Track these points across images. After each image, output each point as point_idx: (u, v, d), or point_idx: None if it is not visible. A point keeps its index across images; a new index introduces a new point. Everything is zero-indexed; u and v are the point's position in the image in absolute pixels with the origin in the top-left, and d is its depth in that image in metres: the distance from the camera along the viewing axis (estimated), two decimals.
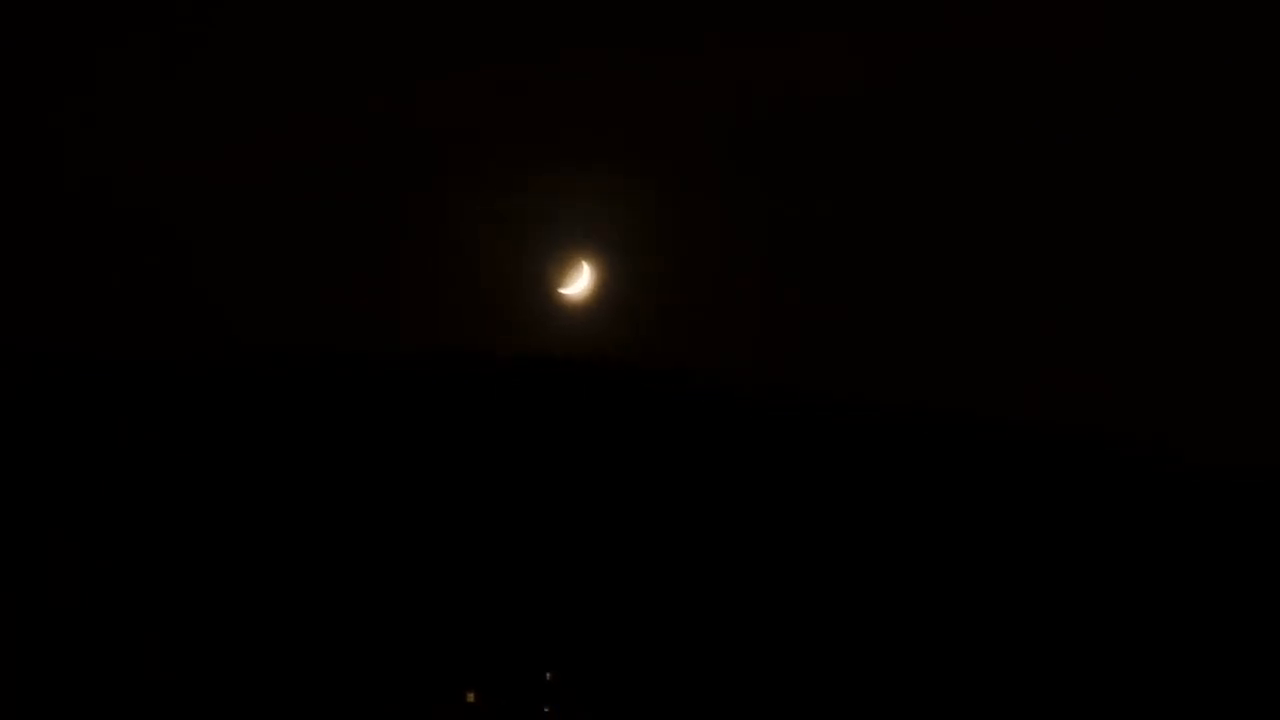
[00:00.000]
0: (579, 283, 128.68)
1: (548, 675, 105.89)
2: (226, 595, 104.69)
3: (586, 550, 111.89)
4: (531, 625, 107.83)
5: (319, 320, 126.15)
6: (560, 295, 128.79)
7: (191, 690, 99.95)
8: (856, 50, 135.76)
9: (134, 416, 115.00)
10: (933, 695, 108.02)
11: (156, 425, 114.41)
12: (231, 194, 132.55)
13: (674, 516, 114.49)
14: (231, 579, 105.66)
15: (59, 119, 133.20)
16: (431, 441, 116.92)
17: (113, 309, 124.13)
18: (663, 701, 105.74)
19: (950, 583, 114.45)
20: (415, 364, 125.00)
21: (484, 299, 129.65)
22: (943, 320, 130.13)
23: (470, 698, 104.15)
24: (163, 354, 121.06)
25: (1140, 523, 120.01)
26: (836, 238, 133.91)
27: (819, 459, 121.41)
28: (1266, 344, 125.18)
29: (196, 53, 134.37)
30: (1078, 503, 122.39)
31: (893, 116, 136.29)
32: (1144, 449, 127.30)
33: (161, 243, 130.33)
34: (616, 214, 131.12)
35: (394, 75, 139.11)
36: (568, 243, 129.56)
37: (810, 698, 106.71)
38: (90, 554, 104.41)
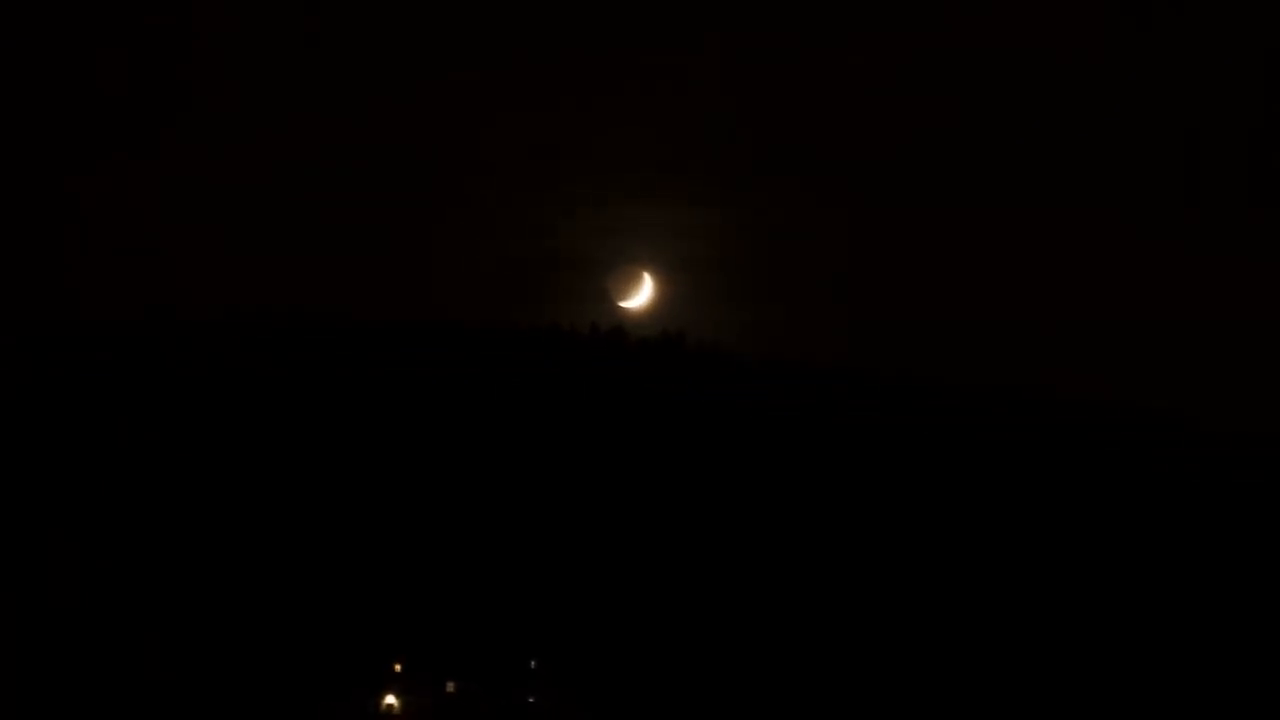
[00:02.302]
0: (640, 295, 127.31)
1: (532, 664, 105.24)
2: (214, 590, 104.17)
3: (576, 544, 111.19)
4: (518, 615, 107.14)
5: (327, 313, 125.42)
6: (621, 308, 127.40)
7: (181, 677, 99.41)
8: (856, 49, 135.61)
9: (134, 416, 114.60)
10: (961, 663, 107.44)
11: (156, 426, 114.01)
12: (238, 193, 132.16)
13: (662, 512, 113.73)
14: (220, 574, 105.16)
15: (61, 120, 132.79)
16: (426, 441, 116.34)
17: (111, 308, 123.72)
18: (650, 691, 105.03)
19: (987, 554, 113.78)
20: (420, 350, 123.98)
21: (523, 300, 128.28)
22: (953, 306, 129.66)
23: (450, 687, 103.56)
24: (162, 353, 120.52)
25: (1157, 494, 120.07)
26: (848, 239, 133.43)
27: (852, 453, 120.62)
28: (1266, 326, 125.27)
29: (198, 54, 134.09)
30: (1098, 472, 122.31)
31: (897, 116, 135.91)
32: (1157, 424, 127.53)
33: (164, 242, 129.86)
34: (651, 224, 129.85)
35: (402, 80, 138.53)
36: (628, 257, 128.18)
37: (800, 687, 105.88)
38: (90, 554, 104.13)
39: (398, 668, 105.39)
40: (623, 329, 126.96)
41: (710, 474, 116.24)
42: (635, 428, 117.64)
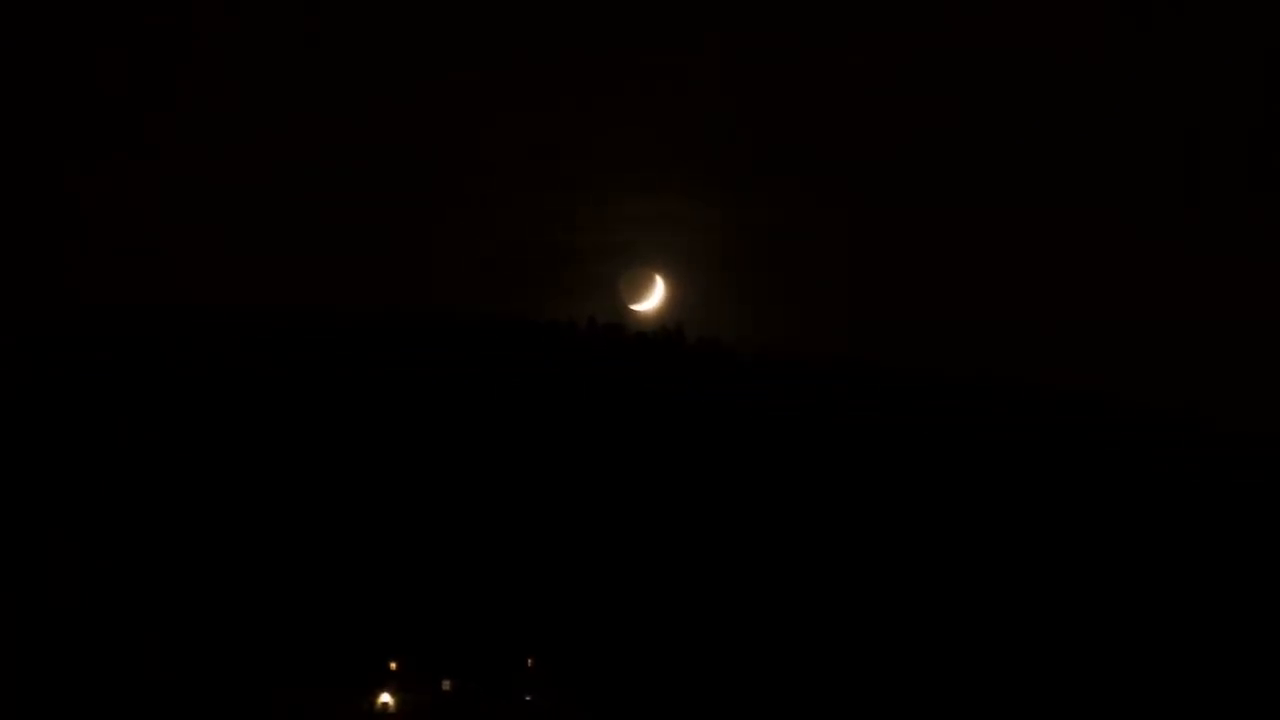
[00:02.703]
0: (652, 298, 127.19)
1: (529, 662, 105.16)
2: (211, 589, 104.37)
3: (573, 541, 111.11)
4: (515, 613, 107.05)
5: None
6: (633, 311, 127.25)
7: (177, 675, 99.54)
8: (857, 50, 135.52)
9: (134, 416, 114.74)
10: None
11: (156, 426, 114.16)
12: (239, 193, 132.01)
13: (660, 509, 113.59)
14: (217, 573, 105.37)
15: (61, 120, 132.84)
16: (422, 438, 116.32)
17: (111, 307, 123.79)
18: (647, 690, 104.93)
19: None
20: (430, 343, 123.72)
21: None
22: (954, 305, 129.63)
23: (446, 686, 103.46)
24: (162, 353, 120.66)
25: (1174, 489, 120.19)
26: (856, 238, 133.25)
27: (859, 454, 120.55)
28: (1266, 326, 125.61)
29: (197, 53, 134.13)
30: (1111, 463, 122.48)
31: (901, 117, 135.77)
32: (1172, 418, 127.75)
33: (164, 241, 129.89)
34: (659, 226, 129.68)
35: (402, 80, 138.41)
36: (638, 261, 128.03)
37: (800, 686, 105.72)
38: (90, 554, 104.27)
39: (394, 666, 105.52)
40: (621, 324, 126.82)
41: (708, 471, 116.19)
42: (632, 424, 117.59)
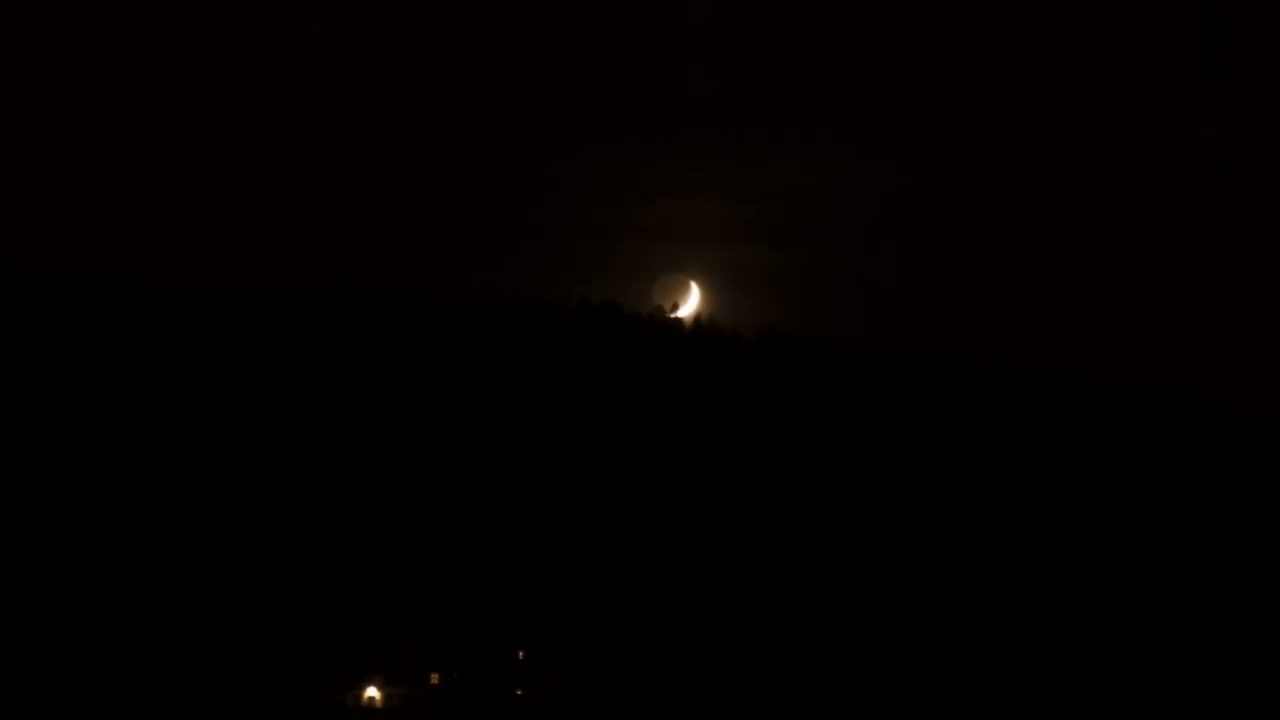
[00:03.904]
0: (688, 304, 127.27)
1: (520, 655, 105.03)
2: (194, 582, 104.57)
3: (565, 531, 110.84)
4: (505, 604, 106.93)
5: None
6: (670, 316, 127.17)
7: (159, 670, 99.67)
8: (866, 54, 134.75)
9: (132, 402, 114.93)
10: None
11: (152, 409, 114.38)
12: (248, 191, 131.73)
13: (656, 499, 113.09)
14: (200, 566, 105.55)
15: (64, 123, 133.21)
16: (408, 427, 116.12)
17: (119, 302, 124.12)
18: (642, 684, 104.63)
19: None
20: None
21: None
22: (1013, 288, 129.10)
23: (434, 679, 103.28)
24: (157, 331, 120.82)
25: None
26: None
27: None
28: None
29: (199, 55, 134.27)
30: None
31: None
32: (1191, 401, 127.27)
33: (170, 242, 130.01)
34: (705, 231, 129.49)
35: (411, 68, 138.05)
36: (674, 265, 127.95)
37: (800, 682, 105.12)
38: (79, 544, 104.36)
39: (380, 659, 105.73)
40: (616, 302, 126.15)
41: (703, 460, 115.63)
42: (625, 410, 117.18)
